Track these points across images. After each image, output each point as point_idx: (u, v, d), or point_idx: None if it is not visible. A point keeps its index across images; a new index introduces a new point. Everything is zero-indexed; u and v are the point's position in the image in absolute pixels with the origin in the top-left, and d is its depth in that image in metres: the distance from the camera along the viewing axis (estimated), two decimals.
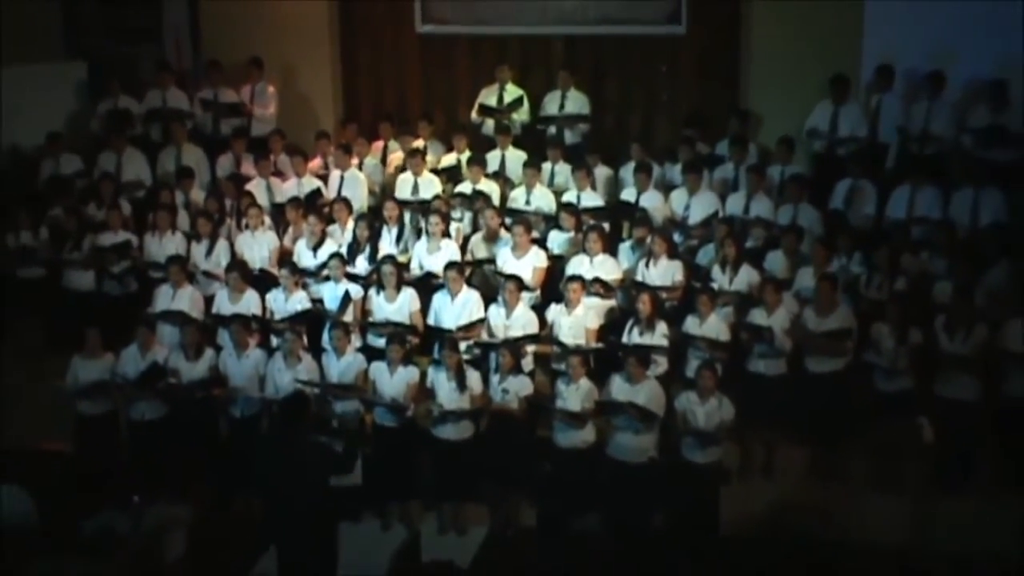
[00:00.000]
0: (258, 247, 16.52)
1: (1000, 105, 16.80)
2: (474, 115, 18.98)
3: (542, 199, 16.98)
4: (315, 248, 16.14)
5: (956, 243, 15.35)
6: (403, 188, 17.43)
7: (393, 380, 14.08)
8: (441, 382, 14.04)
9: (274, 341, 14.98)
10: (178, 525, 12.87)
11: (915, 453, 13.60)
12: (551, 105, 18.72)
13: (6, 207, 17.39)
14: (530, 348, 14.81)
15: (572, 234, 16.16)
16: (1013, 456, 13.97)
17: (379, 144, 18.64)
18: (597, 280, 15.23)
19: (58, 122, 19.29)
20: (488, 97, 18.87)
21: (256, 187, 17.52)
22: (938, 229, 15.62)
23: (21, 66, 19.21)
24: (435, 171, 17.74)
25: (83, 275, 16.83)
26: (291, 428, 12.19)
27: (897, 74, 17.46)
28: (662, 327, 14.51)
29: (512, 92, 18.79)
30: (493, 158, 17.89)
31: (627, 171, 17.37)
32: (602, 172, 17.55)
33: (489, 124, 18.69)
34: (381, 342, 14.66)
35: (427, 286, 15.50)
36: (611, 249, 15.92)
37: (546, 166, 17.58)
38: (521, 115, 18.77)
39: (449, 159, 18.12)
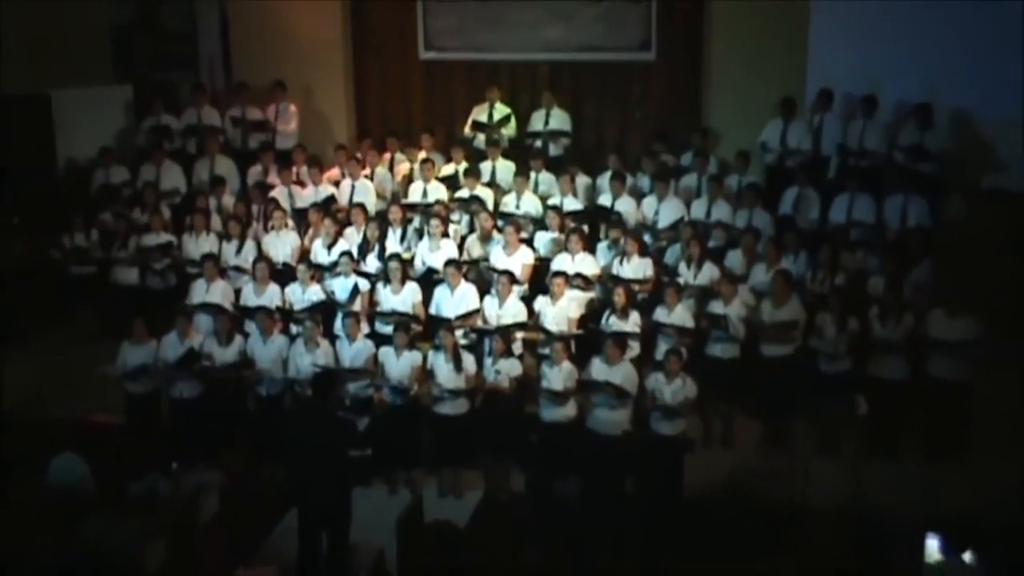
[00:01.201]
0: (282, 246, 16.59)
1: (925, 125, 16.90)
2: (467, 130, 19.04)
3: (530, 204, 17.01)
4: (329, 247, 16.21)
5: (887, 244, 15.62)
6: (414, 193, 17.52)
7: (399, 363, 14.12)
8: (440, 364, 14.05)
9: (294, 329, 15.02)
10: (212, 488, 12.73)
11: (852, 425, 13.70)
12: (537, 122, 18.80)
13: (63, 212, 17.54)
14: (519, 334, 14.81)
15: (556, 234, 16.21)
16: (935, 427, 14.20)
17: (387, 156, 18.61)
18: (578, 275, 15.31)
19: (108, 138, 19.35)
20: (479, 115, 18.93)
21: (279, 194, 17.62)
22: (872, 231, 15.93)
23: (77, 90, 19.42)
24: (448, 178, 17.79)
25: (129, 271, 17.05)
26: (321, 402, 12.37)
27: (836, 97, 17.57)
28: (635, 316, 14.59)
29: (500, 110, 18.88)
30: (485, 168, 17.93)
31: (604, 180, 17.44)
32: (582, 180, 17.57)
33: (480, 138, 18.73)
34: (388, 329, 14.73)
35: (429, 280, 15.61)
36: (590, 248, 16.00)
37: (531, 175, 17.59)
38: (508, 130, 18.84)
39: (448, 169, 18.12)
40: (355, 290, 15.43)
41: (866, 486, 13.28)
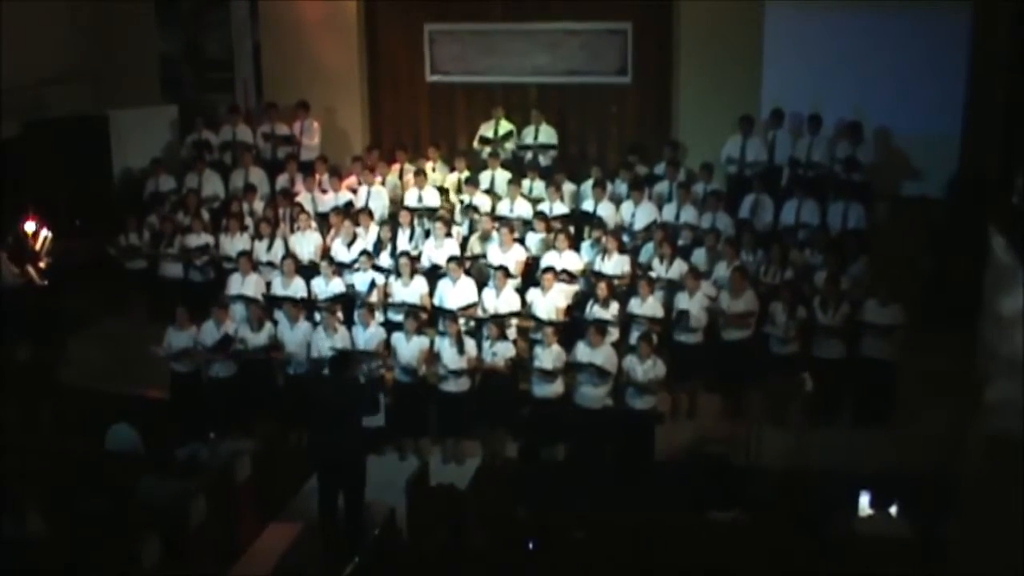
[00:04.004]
0: (306, 244, 16.65)
1: (857, 141, 17.09)
2: (475, 144, 19.02)
3: (522, 208, 17.07)
4: (348, 245, 16.32)
5: (830, 243, 15.66)
6: (410, 198, 17.58)
7: (409, 346, 14.33)
8: (446, 348, 14.24)
9: (317, 316, 15.10)
10: (245, 454, 12.93)
11: (797, 397, 13.83)
12: (527, 136, 18.79)
13: (118, 216, 17.69)
14: (513, 321, 14.95)
15: (545, 235, 16.28)
16: (867, 399, 14.45)
17: (396, 166, 18.58)
18: (564, 270, 15.42)
19: (157, 151, 19.39)
20: (486, 130, 18.90)
21: (304, 199, 17.64)
22: (817, 233, 15.96)
23: (131, 110, 19.60)
24: (441, 188, 17.80)
25: (174, 266, 17.13)
26: (338, 378, 12.56)
27: (786, 115, 17.66)
28: (614, 306, 14.73)
29: (504, 127, 18.85)
30: (484, 177, 17.96)
31: (586, 187, 17.44)
32: (567, 187, 17.54)
33: (486, 150, 18.66)
34: (399, 318, 14.88)
35: (434, 275, 15.70)
36: (575, 246, 16.10)
37: (525, 182, 17.60)
38: (511, 144, 18.82)
39: (452, 178, 18.19)
40: (373, 284, 15.56)
41: (809, 449, 13.51)
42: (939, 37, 17.14)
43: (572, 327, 14.87)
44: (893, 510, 11.48)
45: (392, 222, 16.93)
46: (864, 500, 11.64)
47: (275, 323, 15.03)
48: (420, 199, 17.46)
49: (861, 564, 10.87)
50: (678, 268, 15.37)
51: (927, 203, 17.41)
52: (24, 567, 10.21)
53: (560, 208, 17.01)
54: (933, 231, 16.82)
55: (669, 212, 16.88)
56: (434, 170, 18.32)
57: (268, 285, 15.90)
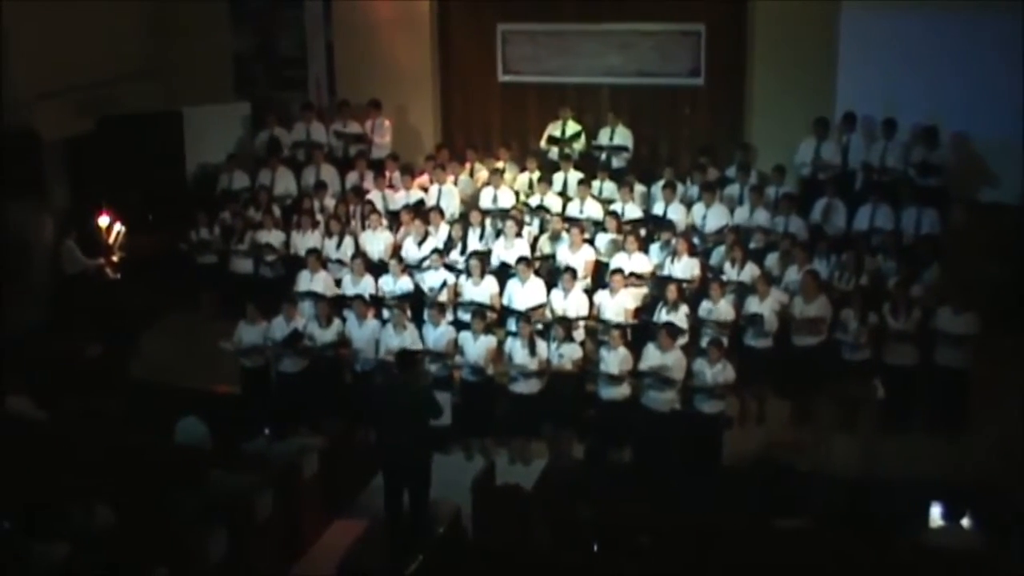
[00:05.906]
0: (376, 242, 16.75)
1: (933, 145, 16.92)
2: (543, 144, 19.03)
3: (592, 209, 17.04)
4: (419, 244, 16.40)
5: (903, 249, 15.60)
6: (485, 198, 17.59)
7: (476, 346, 14.32)
8: (516, 349, 14.22)
9: (385, 314, 15.16)
10: (313, 450, 13.02)
11: (870, 405, 13.75)
12: (603, 137, 18.76)
13: (190, 211, 17.88)
14: (582, 323, 14.94)
15: (615, 236, 16.29)
16: (940, 407, 14.28)
17: (467, 165, 18.63)
18: (633, 273, 15.37)
19: (229, 148, 19.50)
20: (554, 130, 18.88)
21: (375, 197, 17.75)
22: (890, 238, 15.81)
23: (204, 107, 19.71)
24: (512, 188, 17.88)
25: (245, 262, 17.35)
26: (405, 376, 12.60)
27: (860, 119, 17.50)
28: (684, 309, 14.66)
29: (572, 127, 18.84)
30: (558, 178, 17.95)
31: (657, 189, 17.36)
32: (638, 189, 17.50)
33: (554, 151, 18.75)
34: (468, 317, 14.91)
35: (503, 274, 15.71)
36: (644, 248, 16.03)
37: (595, 183, 17.61)
38: (579, 145, 18.82)
39: (523, 178, 18.21)
40: (445, 283, 15.64)
41: (879, 457, 13.43)
42: (1017, 41, 16.74)
43: (640, 330, 14.80)
44: (965, 522, 11.33)
45: (463, 221, 16.97)
46: (936, 511, 11.50)
47: (343, 320, 15.11)
48: (495, 199, 17.47)
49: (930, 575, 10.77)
50: (749, 271, 15.30)
51: (1002, 209, 17.13)
52: (93, 559, 10.32)
53: (633, 211, 16.97)
54: (1008, 237, 16.59)
55: (741, 215, 16.80)
56: (504, 171, 18.28)
57: (337, 282, 15.97)
